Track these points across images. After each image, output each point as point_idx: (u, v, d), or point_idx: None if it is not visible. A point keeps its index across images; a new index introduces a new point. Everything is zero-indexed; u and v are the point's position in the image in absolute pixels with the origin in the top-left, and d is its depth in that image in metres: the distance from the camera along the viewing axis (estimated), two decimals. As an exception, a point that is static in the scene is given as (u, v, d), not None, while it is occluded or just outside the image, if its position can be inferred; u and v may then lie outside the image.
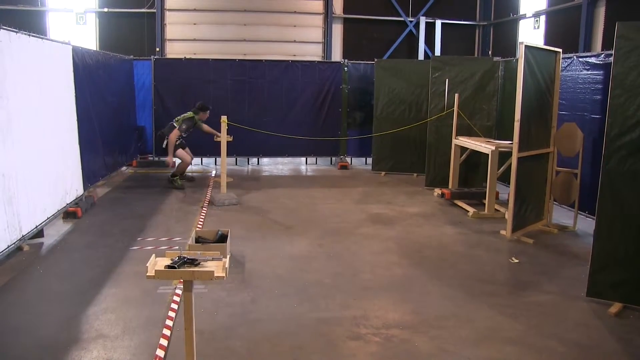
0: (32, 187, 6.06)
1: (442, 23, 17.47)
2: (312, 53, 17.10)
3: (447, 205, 8.59)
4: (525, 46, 6.41)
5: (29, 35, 6.18)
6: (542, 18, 15.12)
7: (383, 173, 11.35)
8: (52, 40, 7.20)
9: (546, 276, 5.60)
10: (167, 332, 4.14)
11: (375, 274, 5.60)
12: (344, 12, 17.38)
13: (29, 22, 14.93)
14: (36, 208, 6.18)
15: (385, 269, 5.74)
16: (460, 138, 8.95)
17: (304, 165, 12.92)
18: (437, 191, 9.10)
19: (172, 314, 4.45)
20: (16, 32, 5.79)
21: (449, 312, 4.67)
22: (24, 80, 5.93)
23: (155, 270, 3.14)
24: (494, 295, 5.05)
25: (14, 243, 5.58)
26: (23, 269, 5.50)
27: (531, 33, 15.40)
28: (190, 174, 10.63)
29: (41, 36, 6.88)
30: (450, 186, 9.11)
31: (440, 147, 9.61)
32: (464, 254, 6.30)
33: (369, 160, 12.19)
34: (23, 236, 5.80)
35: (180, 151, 9.69)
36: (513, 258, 6.07)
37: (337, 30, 17.52)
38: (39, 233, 6.32)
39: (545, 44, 13.28)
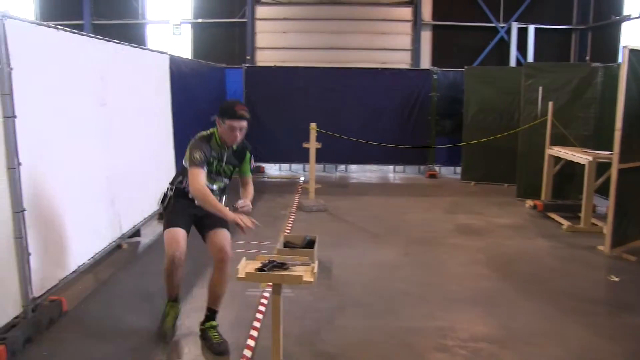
0: (132, 188, 6.41)
1: (535, 28, 16.84)
2: (401, 60, 17.00)
3: (539, 218, 8.27)
4: (630, 50, 6.06)
5: (132, 46, 6.58)
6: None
7: (472, 183, 11.10)
8: (151, 50, 7.62)
9: (651, 297, 5.26)
10: (254, 333, 4.24)
11: (462, 285, 5.48)
12: (433, 18, 17.16)
13: (130, 34, 15.98)
14: (135, 209, 6.54)
15: (473, 281, 5.60)
16: (555, 148, 8.60)
17: (391, 173, 12.86)
18: (529, 202, 8.78)
19: (259, 316, 4.56)
20: (121, 44, 6.18)
21: (540, 328, 4.49)
22: (126, 88, 6.30)
23: (246, 273, 3.23)
24: (591, 315, 4.79)
25: (115, 241, 5.93)
26: (122, 266, 5.84)
27: (637, 36, 14.43)
28: (275, 178, 10.70)
29: (141, 47, 7.28)
30: (542, 197, 8.77)
31: (533, 157, 9.26)
32: (557, 269, 6.03)
33: (458, 169, 11.96)
34: (123, 235, 6.15)
35: (173, 231, 4.07)
36: (612, 276, 5.74)
37: (426, 37, 17.31)
38: (136, 232, 6.68)
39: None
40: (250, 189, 4.41)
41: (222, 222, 4.10)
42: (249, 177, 4.45)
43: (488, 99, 10.85)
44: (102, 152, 5.63)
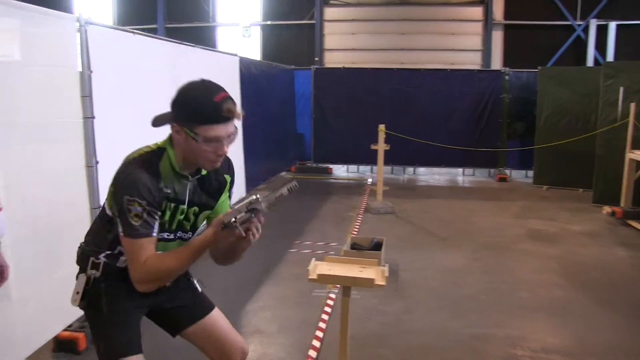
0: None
1: (616, 25, 16.07)
2: (471, 61, 16.65)
3: (617, 225, 7.91)
4: None
5: (202, 48, 6.78)
6: None
7: (545, 187, 10.74)
8: (221, 52, 7.83)
9: None
10: (319, 334, 4.28)
11: (533, 293, 5.31)
12: (505, 18, 16.71)
13: (201, 37, 16.48)
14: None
15: (545, 289, 5.43)
16: (636, 152, 8.21)
17: (460, 176, 12.65)
18: (607, 209, 8.42)
19: (325, 316, 4.59)
20: (192, 46, 6.39)
21: (617, 342, 4.29)
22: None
23: (318, 275, 3.26)
24: (672, 328, 4.55)
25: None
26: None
27: None
28: (342, 180, 10.69)
29: (212, 49, 7.48)
30: (622, 204, 8.38)
31: (611, 161, 8.85)
32: (636, 280, 5.75)
33: (530, 173, 11.60)
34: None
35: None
36: (696, 288, 5.44)
37: (497, 37, 16.88)
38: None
39: None
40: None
41: (205, 298, 2.54)
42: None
43: (563, 100, 10.48)
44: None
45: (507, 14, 16.70)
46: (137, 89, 4.96)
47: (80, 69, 4.02)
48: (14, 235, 3.13)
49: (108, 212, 2.18)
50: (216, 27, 17.89)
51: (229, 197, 2.42)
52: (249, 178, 8.38)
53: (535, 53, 16.11)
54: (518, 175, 12.31)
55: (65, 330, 3.86)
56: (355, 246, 5.74)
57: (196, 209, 2.28)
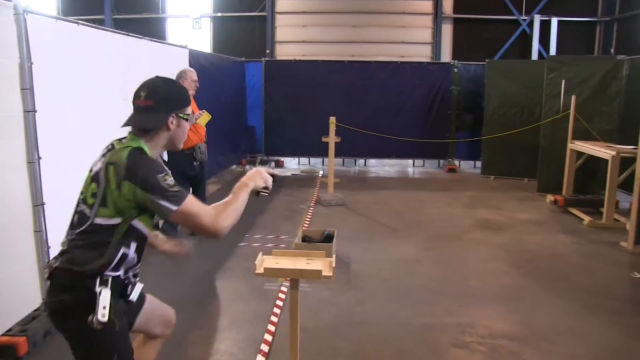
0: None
1: (558, 20, 16.56)
2: (421, 54, 16.84)
3: (560, 213, 8.16)
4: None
5: (151, 40, 6.60)
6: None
7: (492, 177, 10.99)
8: (171, 45, 7.65)
9: (677, 295, 5.16)
10: (272, 327, 4.25)
11: (483, 281, 5.42)
12: (454, 11, 16.96)
13: (151, 28, 16.08)
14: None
15: (494, 277, 5.55)
16: (577, 142, 8.47)
17: (411, 167, 12.80)
18: (550, 197, 8.67)
19: (277, 310, 4.57)
20: (141, 38, 6.21)
21: (562, 326, 4.42)
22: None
23: (265, 268, 3.23)
24: (615, 313, 4.70)
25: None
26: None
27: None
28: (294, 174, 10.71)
29: (161, 41, 7.30)
30: (564, 193, 8.65)
31: (555, 152, 9.13)
32: (579, 266, 5.95)
33: (478, 163, 11.85)
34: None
35: None
36: (636, 273, 5.65)
37: (447, 30, 17.13)
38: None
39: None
40: None
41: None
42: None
43: (509, 92, 10.74)
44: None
45: (456, 8, 16.96)
46: (84, 81, 4.78)
47: (19, 60, 3.84)
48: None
49: (107, 221, 2.23)
50: (166, 19, 17.50)
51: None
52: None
53: (483, 46, 16.47)
54: (467, 166, 12.56)
55: (3, 335, 3.70)
56: (306, 239, 5.73)
57: None
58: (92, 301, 2.19)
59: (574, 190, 8.71)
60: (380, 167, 12.80)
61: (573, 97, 8.63)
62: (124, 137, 2.35)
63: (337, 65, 12.18)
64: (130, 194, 2.17)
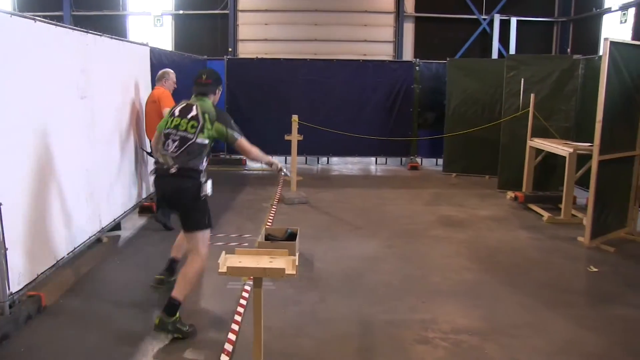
0: (112, 182, 6.32)
1: (517, 20, 16.91)
2: (383, 52, 16.98)
3: (520, 209, 8.32)
4: (611, 42, 6.09)
5: (112, 38, 6.46)
6: (631, 11, 13.97)
7: (454, 174, 11.13)
8: (131, 42, 7.51)
9: (631, 288, 5.30)
10: (235, 327, 4.21)
11: (445, 277, 5.48)
12: (416, 10, 17.16)
13: (111, 26, 15.81)
14: (115, 202, 6.45)
15: (456, 273, 5.62)
16: (536, 140, 8.64)
17: (373, 165, 12.86)
18: (510, 194, 8.83)
19: (241, 309, 4.53)
20: (100, 35, 6.07)
21: (522, 320, 4.51)
22: (107, 81, 6.19)
23: (227, 267, 3.20)
24: (572, 306, 4.82)
25: (94, 234, 5.85)
26: (102, 260, 5.76)
27: (617, 28, 14.43)
28: (256, 171, 10.59)
29: (122, 39, 7.16)
30: (524, 189, 8.82)
31: (514, 149, 9.30)
32: (538, 261, 6.07)
33: (440, 161, 11.98)
34: (102, 228, 6.06)
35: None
36: (592, 267, 5.80)
37: (409, 29, 17.31)
38: (116, 226, 6.60)
39: (633, 39, 12.57)
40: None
41: None
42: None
43: (470, 91, 10.88)
44: (82, 145, 5.54)
45: (418, 7, 17.17)
46: (41, 79, 4.66)
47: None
48: None
49: (203, 141, 4.09)
50: (127, 16, 17.19)
51: None
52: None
53: (444, 45, 16.69)
54: (429, 164, 12.68)
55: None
56: (269, 237, 5.70)
57: None
58: (200, 185, 4.09)
59: (534, 187, 8.89)
60: (343, 165, 12.82)
61: (532, 96, 8.81)
62: (196, 96, 4.30)
63: (300, 64, 12.14)
64: (217, 128, 4.11)
